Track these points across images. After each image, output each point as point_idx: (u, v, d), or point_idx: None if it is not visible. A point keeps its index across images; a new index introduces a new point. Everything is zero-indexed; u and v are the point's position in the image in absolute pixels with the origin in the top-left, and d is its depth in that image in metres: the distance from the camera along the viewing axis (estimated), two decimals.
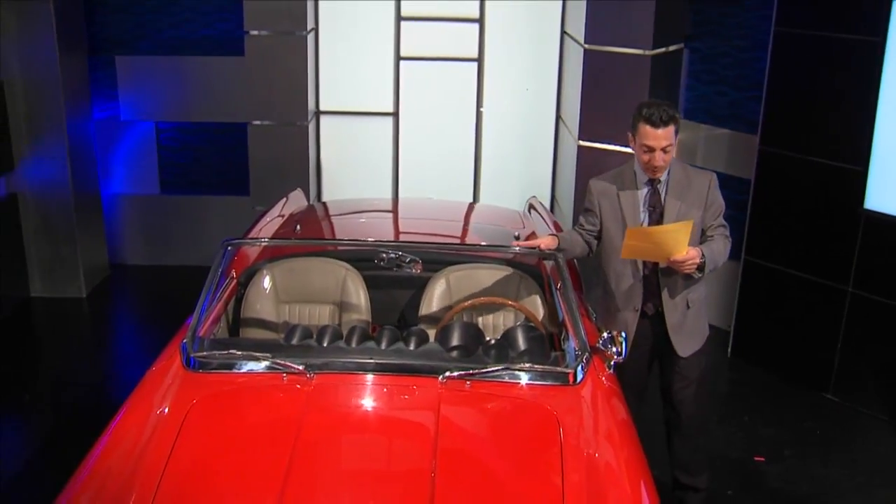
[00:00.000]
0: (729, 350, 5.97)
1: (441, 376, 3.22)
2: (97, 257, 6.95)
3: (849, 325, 5.31)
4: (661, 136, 3.62)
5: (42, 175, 6.45)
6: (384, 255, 3.89)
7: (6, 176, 6.35)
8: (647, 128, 3.63)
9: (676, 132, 3.69)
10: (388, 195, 6.85)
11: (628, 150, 5.31)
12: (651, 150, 3.66)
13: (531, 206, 5.54)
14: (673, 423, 4.13)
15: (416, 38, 6.61)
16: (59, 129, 6.38)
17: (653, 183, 3.80)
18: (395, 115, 6.76)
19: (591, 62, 5.88)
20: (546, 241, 3.86)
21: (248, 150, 6.54)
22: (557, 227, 5.01)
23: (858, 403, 5.34)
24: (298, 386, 3.22)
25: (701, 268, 3.70)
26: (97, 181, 6.92)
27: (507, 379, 3.28)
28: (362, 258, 4.28)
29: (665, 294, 3.85)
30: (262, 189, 6.45)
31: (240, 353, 3.37)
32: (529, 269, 4.27)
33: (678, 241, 3.56)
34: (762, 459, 4.85)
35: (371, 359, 3.34)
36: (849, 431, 5.17)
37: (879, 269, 5.13)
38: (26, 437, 5.04)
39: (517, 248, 4.00)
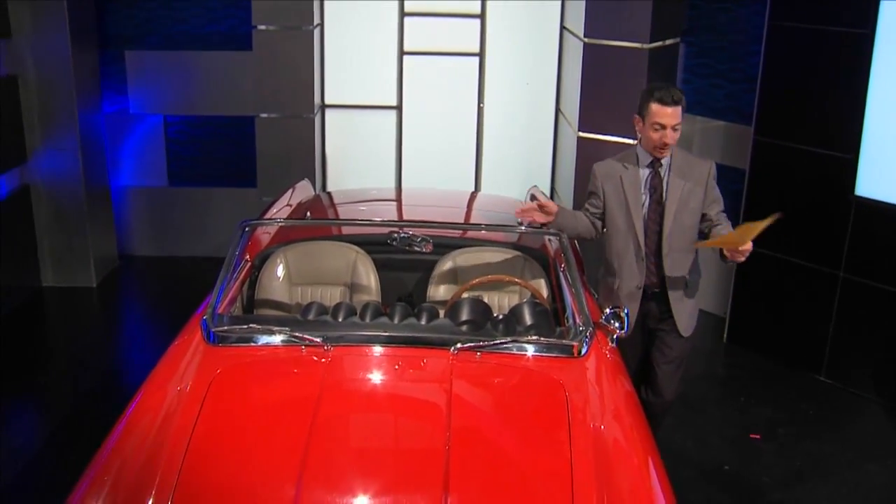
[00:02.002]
0: (724, 335, 6.14)
1: (452, 348, 3.36)
2: (107, 248, 7.09)
3: (841, 309, 5.49)
4: (671, 115, 3.84)
5: (54, 167, 6.59)
6: (396, 236, 4.03)
7: (19, 168, 6.48)
8: (659, 107, 3.85)
9: (683, 113, 3.90)
10: (392, 186, 7.00)
11: (627, 140, 5.52)
12: (663, 127, 3.86)
13: (532, 197, 5.68)
14: (649, 405, 4.20)
15: (419, 34, 6.76)
16: (71, 122, 6.52)
17: (654, 165, 3.98)
18: (399, 108, 6.91)
19: (591, 55, 6.05)
20: (549, 205, 4.01)
21: (255, 143, 6.68)
22: None
23: (850, 385, 5.52)
24: (315, 358, 3.35)
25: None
26: (107, 173, 7.06)
27: (514, 351, 3.42)
28: (372, 242, 4.43)
29: (666, 273, 4.02)
30: (269, 181, 6.59)
31: (259, 326, 3.51)
32: (534, 252, 4.42)
33: (755, 233, 3.70)
34: (757, 437, 5.02)
35: (385, 332, 3.49)
36: (840, 411, 5.34)
37: (870, 254, 5.30)
38: (44, 418, 5.18)
39: (523, 227, 4.16)
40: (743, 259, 3.82)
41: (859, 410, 5.35)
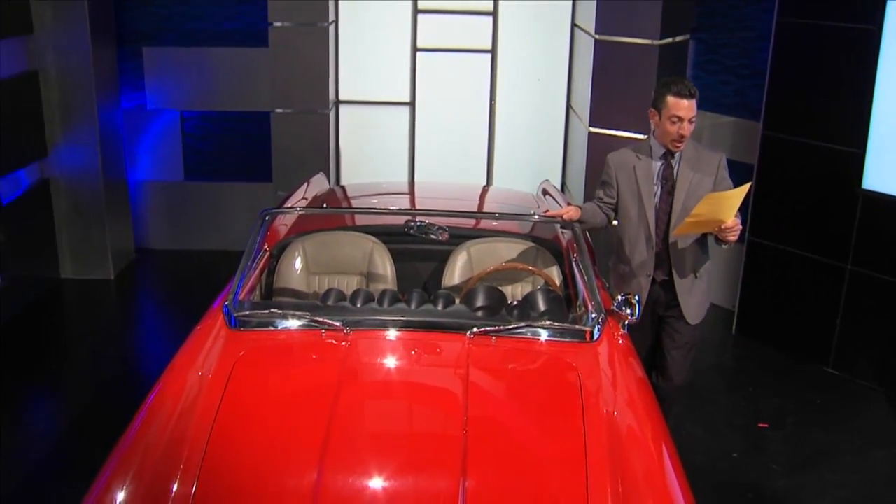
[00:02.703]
0: (734, 327, 6.23)
1: (468, 332, 3.44)
2: (124, 241, 7.22)
3: (848, 301, 5.57)
4: (688, 107, 3.95)
5: (73, 161, 6.71)
6: (413, 224, 4.11)
7: (40, 162, 6.61)
8: (677, 100, 3.95)
9: (697, 106, 4.01)
10: (405, 180, 7.10)
11: (637, 135, 5.61)
12: (680, 119, 3.96)
13: (545, 191, 5.77)
14: (659, 389, 4.26)
15: (432, 31, 6.88)
16: (91, 117, 6.64)
17: (666, 157, 4.07)
18: (412, 104, 7.02)
19: (602, 52, 6.16)
20: (570, 212, 4.14)
21: (269, 138, 6.79)
22: None
23: (857, 375, 5.60)
24: (335, 341, 3.43)
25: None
26: (124, 168, 7.18)
27: (529, 335, 3.51)
28: (388, 232, 4.52)
29: (675, 262, 4.12)
30: (284, 175, 6.70)
31: (280, 311, 3.61)
32: (547, 243, 4.50)
33: (732, 207, 3.82)
34: (766, 426, 5.11)
35: (403, 317, 3.58)
36: (847, 401, 5.42)
37: (877, 247, 5.39)
38: (66, 405, 5.29)
39: (537, 217, 4.25)
40: (734, 237, 3.92)
41: (866, 400, 5.44)
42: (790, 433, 5.05)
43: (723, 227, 3.87)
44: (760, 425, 5.11)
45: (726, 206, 3.81)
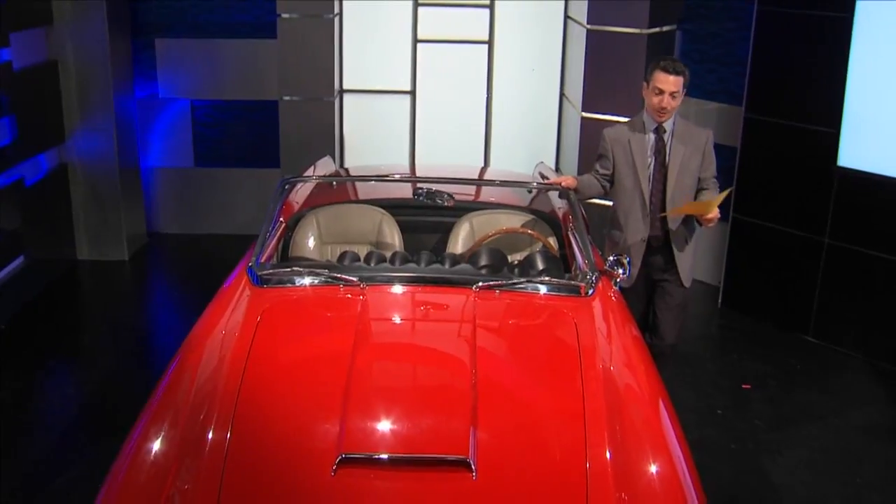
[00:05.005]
0: (719, 301, 6.58)
1: (474, 286, 3.76)
2: (137, 225, 7.51)
3: (826, 273, 5.92)
4: (671, 82, 4.30)
5: (90, 147, 7.01)
6: (422, 190, 4.44)
7: (58, 147, 6.92)
8: (661, 74, 4.31)
9: (684, 86, 4.35)
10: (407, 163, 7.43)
11: (627, 119, 5.93)
12: (661, 92, 4.31)
13: (541, 173, 6.09)
14: (653, 347, 4.50)
15: (432, 23, 7.20)
16: (107, 105, 6.94)
17: (658, 131, 4.42)
18: (413, 93, 7.34)
19: (593, 41, 6.50)
20: (568, 180, 4.49)
21: (277, 126, 7.10)
22: None
23: (835, 343, 5.95)
24: (351, 296, 3.72)
25: None
26: (137, 154, 7.49)
27: (529, 290, 3.84)
28: (395, 205, 4.85)
29: (670, 228, 4.48)
30: (291, 160, 7.00)
31: (301, 269, 3.92)
32: (545, 215, 4.82)
33: (714, 205, 4.27)
34: (749, 387, 5.45)
35: (414, 273, 3.91)
36: (826, 366, 5.78)
37: (852, 221, 5.74)
38: (90, 373, 5.57)
39: (536, 184, 4.58)
40: (712, 224, 4.38)
41: (844, 366, 5.78)
42: (772, 394, 5.40)
43: (705, 217, 4.29)
44: (744, 386, 5.45)
45: (711, 205, 4.26)
